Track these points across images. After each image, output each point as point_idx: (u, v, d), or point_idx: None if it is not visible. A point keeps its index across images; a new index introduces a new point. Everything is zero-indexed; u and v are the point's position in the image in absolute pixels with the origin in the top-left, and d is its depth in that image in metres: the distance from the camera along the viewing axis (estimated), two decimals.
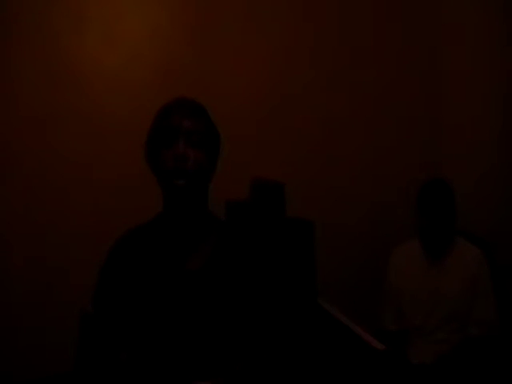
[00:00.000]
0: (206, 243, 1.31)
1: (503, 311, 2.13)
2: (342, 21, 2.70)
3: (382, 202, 2.74)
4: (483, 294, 2.09)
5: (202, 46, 2.49)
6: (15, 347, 2.32)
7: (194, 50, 2.49)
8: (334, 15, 2.69)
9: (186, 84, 2.43)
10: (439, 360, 2.05)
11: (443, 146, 2.82)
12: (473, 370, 1.97)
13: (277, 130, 2.59)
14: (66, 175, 2.38)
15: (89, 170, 2.40)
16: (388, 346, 1.76)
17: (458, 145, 2.79)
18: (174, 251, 1.29)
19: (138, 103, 2.41)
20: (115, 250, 1.34)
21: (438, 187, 2.13)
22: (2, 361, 2.31)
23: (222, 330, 1.25)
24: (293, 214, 2.00)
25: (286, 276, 1.88)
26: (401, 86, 2.78)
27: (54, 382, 2.24)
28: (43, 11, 2.32)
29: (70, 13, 2.35)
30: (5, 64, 2.30)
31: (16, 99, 2.31)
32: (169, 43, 2.46)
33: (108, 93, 2.40)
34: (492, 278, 2.14)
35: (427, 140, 2.82)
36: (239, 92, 2.53)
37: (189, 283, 1.27)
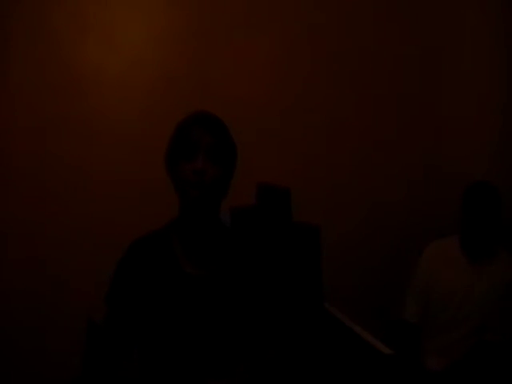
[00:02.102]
0: (215, 250, 1.36)
1: None
2: (343, 20, 2.69)
3: (388, 204, 2.74)
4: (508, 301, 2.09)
5: (204, 51, 2.49)
6: (15, 354, 2.32)
7: (196, 56, 2.48)
8: (336, 15, 2.68)
9: (188, 89, 2.43)
10: (452, 366, 2.06)
11: (448, 146, 2.82)
12: (486, 376, 1.96)
13: (280, 133, 2.59)
14: (67, 181, 2.38)
15: (90, 176, 2.40)
16: (402, 342, 1.75)
17: (461, 146, 2.79)
18: (185, 257, 1.34)
19: (140, 109, 2.41)
20: (130, 254, 1.37)
21: (486, 191, 2.09)
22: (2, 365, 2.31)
23: (230, 334, 1.30)
24: (299, 218, 1.99)
25: (293, 281, 1.88)
26: (404, 86, 2.77)
27: None
28: (44, 17, 2.31)
29: (71, 19, 2.34)
30: (5, 70, 2.29)
31: (17, 105, 2.31)
32: (171, 49, 2.45)
33: (110, 99, 2.40)
34: None
35: (431, 141, 2.82)
36: (242, 96, 2.52)
37: (197, 288, 1.31)
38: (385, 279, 2.35)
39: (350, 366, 1.83)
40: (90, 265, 2.37)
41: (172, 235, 1.37)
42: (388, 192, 2.74)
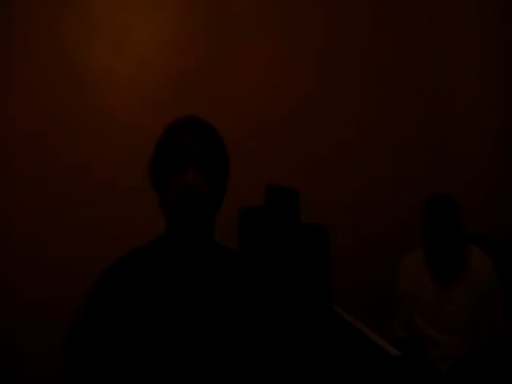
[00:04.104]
0: (209, 272, 1.20)
1: None
2: (347, 22, 2.69)
3: (396, 206, 2.73)
4: (493, 303, 2.07)
5: (212, 55, 2.49)
6: (16, 354, 2.34)
7: (205, 59, 2.48)
8: (338, 16, 2.68)
9: (196, 92, 2.44)
10: (453, 367, 2.05)
11: (455, 148, 2.81)
12: (486, 376, 1.95)
13: (288, 135, 2.59)
14: (72, 183, 2.37)
15: (97, 179, 2.39)
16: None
17: (468, 147, 2.78)
18: (177, 280, 1.18)
19: (148, 112, 2.41)
20: (110, 278, 1.20)
21: (445, 205, 2.07)
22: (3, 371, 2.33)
23: (232, 341, 1.17)
24: (307, 219, 2.00)
25: (301, 282, 1.88)
26: (411, 86, 2.78)
27: None
28: (53, 20, 2.32)
29: (80, 22, 2.34)
30: (13, 72, 2.30)
31: (24, 108, 2.31)
32: (179, 52, 2.45)
33: (118, 102, 2.40)
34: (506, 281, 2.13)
35: (439, 142, 2.81)
36: (250, 99, 2.53)
37: (195, 299, 1.17)
38: (392, 280, 2.34)
39: (358, 368, 1.82)
40: (92, 268, 2.37)
41: (159, 256, 1.20)
42: (396, 193, 2.74)
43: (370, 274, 2.69)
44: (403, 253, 2.33)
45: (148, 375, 1.11)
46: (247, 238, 2.06)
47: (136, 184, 2.39)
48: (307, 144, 2.63)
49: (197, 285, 1.18)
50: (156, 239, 1.25)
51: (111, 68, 2.40)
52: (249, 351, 1.17)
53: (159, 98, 2.42)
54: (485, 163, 2.73)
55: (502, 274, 2.12)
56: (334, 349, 1.87)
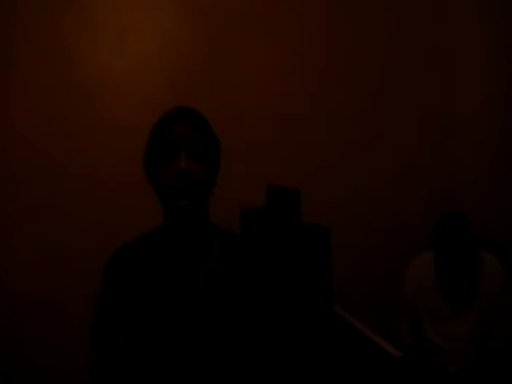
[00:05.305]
0: (210, 255, 1.24)
1: None
2: (347, 22, 2.69)
3: (400, 208, 2.74)
4: (504, 309, 2.05)
5: (213, 57, 2.49)
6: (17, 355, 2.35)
7: (206, 60, 2.48)
8: (339, 17, 2.68)
9: (198, 93, 2.43)
10: (462, 370, 2.04)
11: (455, 148, 2.81)
12: (494, 379, 1.95)
13: (291, 136, 2.60)
14: (73, 184, 2.38)
15: (96, 181, 2.40)
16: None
17: (468, 148, 2.79)
18: (178, 264, 1.22)
19: (149, 113, 2.40)
20: (116, 264, 1.26)
21: (455, 224, 1.99)
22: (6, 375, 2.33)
23: (232, 340, 1.18)
24: (308, 220, 2.00)
25: (302, 283, 1.88)
26: (419, 92, 2.78)
27: None
28: (53, 23, 2.32)
29: (80, 21, 2.34)
30: (13, 75, 2.30)
31: (24, 108, 2.31)
32: (180, 54, 2.46)
33: (118, 103, 2.40)
34: None
35: (439, 142, 2.81)
36: (252, 101, 2.53)
37: (196, 295, 1.20)
38: (396, 282, 2.33)
39: (360, 369, 1.82)
40: (92, 268, 2.36)
41: (159, 244, 1.25)
42: (397, 193, 2.74)
43: (371, 274, 2.69)
44: (403, 253, 2.32)
45: (148, 361, 1.15)
46: (249, 238, 2.06)
47: (136, 184, 2.38)
48: (307, 144, 2.63)
49: (195, 272, 1.21)
50: (154, 229, 1.28)
51: (112, 68, 2.39)
52: (248, 344, 1.20)
53: (159, 98, 2.42)
54: (485, 163, 2.73)
55: None
56: (336, 349, 1.87)
